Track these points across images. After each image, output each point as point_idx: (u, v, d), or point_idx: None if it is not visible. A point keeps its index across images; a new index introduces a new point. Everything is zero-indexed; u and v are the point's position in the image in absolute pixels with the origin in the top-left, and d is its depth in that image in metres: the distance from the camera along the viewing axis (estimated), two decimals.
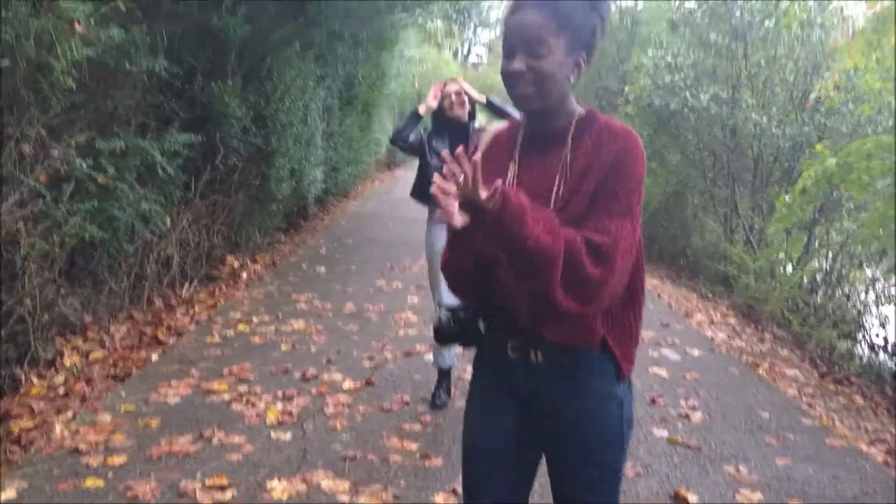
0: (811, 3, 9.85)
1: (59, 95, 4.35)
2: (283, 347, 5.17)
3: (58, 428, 3.73)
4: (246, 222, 8.21)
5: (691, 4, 11.72)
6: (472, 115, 4.12)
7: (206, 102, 6.48)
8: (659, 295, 7.75)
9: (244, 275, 7.49)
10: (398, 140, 4.12)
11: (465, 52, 58.05)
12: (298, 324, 5.76)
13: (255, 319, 5.85)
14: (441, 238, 4.00)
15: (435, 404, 4.12)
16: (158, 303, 6.04)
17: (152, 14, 5.64)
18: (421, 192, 4.12)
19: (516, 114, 4.15)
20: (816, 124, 9.31)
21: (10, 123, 4.20)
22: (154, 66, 5.30)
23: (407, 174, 4.57)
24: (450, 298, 4.05)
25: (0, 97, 4.08)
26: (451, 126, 4.06)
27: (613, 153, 1.49)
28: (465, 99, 4.04)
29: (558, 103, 1.57)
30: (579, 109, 1.60)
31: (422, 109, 4.11)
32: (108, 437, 3.64)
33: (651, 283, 8.65)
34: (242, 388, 4.30)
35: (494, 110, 4.14)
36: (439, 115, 4.09)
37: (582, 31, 1.53)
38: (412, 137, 4.10)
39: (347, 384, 4.44)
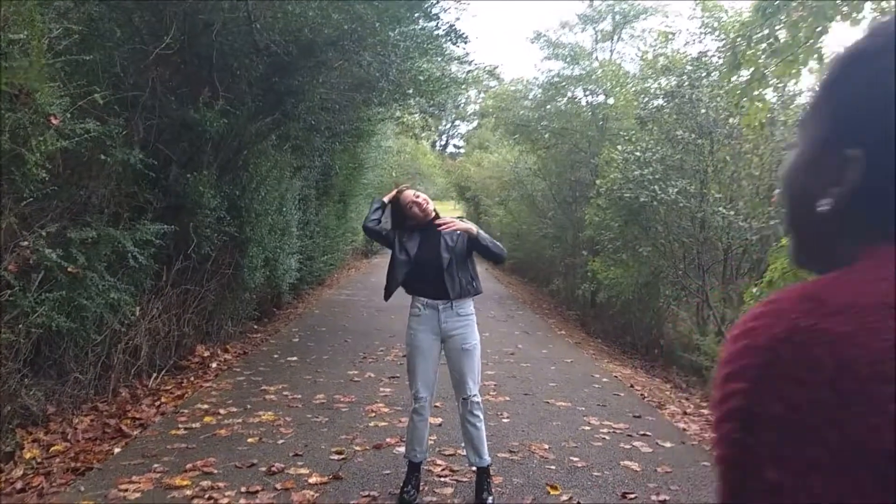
0: (772, 101, 10.28)
1: (32, 186, 4.38)
2: (250, 440, 5.06)
3: None
4: (218, 311, 8.17)
5: (659, 102, 12.19)
6: (436, 213, 4.18)
7: (181, 192, 6.54)
8: (632, 385, 7.73)
9: (214, 364, 7.40)
10: (366, 224, 4.17)
11: (443, 143, 59.42)
12: (267, 415, 5.66)
13: (222, 411, 5.75)
14: (420, 331, 4.00)
15: (403, 499, 4.02)
16: (124, 393, 5.93)
17: (130, 107, 5.76)
18: (390, 288, 4.14)
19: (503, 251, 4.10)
20: (783, 218, 9.56)
21: None
22: (129, 157, 5.38)
23: (384, 261, 4.62)
24: (426, 392, 4.04)
25: None
26: (420, 226, 4.13)
27: None
28: (428, 197, 4.12)
29: None
30: None
31: (386, 198, 4.21)
32: None
33: (623, 373, 8.65)
34: (205, 483, 4.18)
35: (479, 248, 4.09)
36: (405, 219, 4.15)
37: None
38: (382, 229, 4.14)
39: (314, 479, 4.33)
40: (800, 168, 0.80)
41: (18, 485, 4.16)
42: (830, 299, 0.63)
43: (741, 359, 0.65)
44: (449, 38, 8.57)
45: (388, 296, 4.18)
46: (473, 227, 4.05)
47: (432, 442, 5.01)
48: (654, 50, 13.93)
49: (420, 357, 3.99)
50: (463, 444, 4.16)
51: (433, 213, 4.11)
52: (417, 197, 4.09)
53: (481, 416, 4.01)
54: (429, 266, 3.99)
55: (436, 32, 8.73)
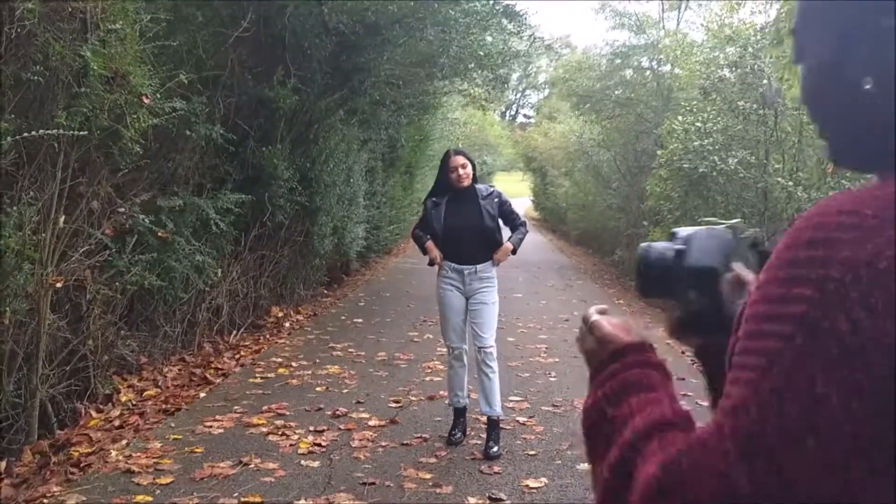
0: None
1: (127, 159, 4.95)
2: (318, 389, 5.62)
3: (113, 453, 4.20)
4: (291, 275, 8.77)
5: (723, 72, 12.15)
6: (475, 179, 4.56)
7: (257, 165, 7.10)
8: (683, 352, 7.95)
9: (287, 324, 8.01)
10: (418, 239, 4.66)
11: (512, 113, 58.84)
12: (333, 368, 6.21)
13: (294, 364, 6.33)
14: (448, 290, 4.45)
15: (451, 441, 4.48)
16: (208, 347, 6.56)
17: (211, 86, 6.30)
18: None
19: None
20: (843, 189, 9.55)
21: (82, 183, 4.78)
22: (211, 132, 5.93)
23: None
24: (459, 341, 4.47)
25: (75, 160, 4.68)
26: (456, 191, 4.49)
27: None
28: (470, 171, 4.48)
29: None
30: None
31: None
32: (158, 461, 4.09)
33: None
34: (279, 423, 4.74)
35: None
36: (447, 184, 4.52)
37: None
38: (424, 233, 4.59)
39: (373, 422, 4.85)
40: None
41: (117, 422, 4.77)
42: None
43: (817, 267, 0.63)
44: (506, 15, 8.85)
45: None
46: (510, 246, 4.54)
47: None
48: (721, 19, 13.82)
49: (451, 312, 4.47)
50: (506, 394, 4.58)
51: (467, 184, 4.46)
52: (465, 167, 4.46)
53: (495, 368, 4.41)
54: (460, 233, 4.42)
55: (496, 9, 9.03)
